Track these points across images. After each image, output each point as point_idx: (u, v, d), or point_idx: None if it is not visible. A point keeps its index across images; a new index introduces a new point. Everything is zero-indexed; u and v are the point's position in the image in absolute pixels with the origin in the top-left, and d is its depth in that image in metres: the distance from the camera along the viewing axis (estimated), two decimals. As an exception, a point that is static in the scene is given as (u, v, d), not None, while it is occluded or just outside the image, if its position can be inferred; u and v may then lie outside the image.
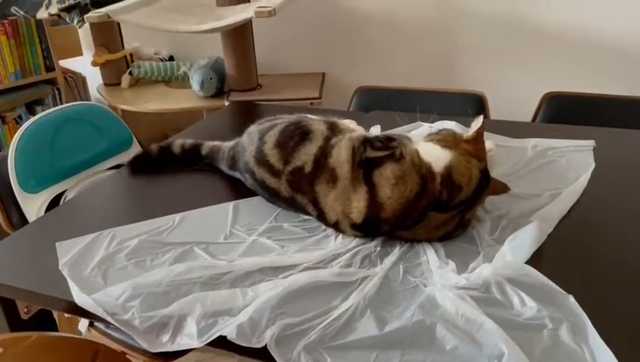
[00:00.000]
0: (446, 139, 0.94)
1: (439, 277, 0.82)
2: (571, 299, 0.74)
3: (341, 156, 0.94)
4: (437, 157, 0.90)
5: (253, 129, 1.08)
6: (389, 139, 0.96)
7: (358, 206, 0.90)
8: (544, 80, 2.07)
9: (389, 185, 0.88)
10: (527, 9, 2.18)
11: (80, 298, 0.81)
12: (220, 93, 2.29)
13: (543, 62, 2.23)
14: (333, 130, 1.01)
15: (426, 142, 0.94)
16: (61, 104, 2.55)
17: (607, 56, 2.14)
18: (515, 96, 2.02)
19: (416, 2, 2.31)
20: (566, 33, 2.16)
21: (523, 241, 0.85)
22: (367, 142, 0.96)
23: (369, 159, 0.92)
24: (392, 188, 0.88)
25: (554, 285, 0.76)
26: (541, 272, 0.79)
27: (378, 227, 0.91)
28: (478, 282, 0.79)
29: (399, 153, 0.91)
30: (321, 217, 0.95)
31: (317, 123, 1.03)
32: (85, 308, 0.80)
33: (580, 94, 1.56)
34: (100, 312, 0.78)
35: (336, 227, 0.94)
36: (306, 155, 0.96)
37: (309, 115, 1.10)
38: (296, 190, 0.97)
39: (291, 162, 0.97)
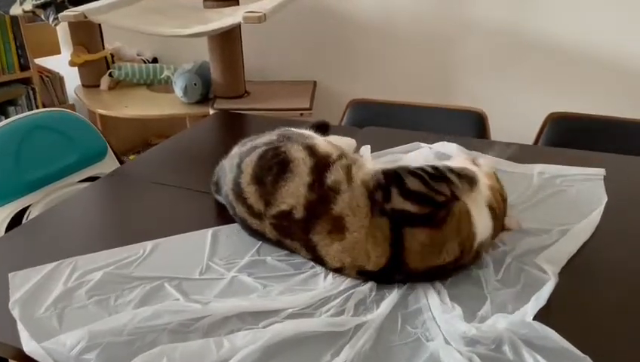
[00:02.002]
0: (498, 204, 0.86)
1: (444, 323, 0.73)
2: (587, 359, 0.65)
3: (354, 205, 0.80)
4: (485, 227, 0.83)
5: (235, 151, 0.96)
6: (435, 177, 0.80)
7: (377, 261, 0.79)
8: (548, 99, 2.00)
9: (421, 250, 0.78)
10: (533, 23, 2.10)
11: (29, 345, 0.70)
12: (204, 99, 2.18)
13: (548, 80, 2.14)
14: (315, 157, 0.86)
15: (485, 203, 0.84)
16: (36, 105, 2.43)
17: (618, 76, 2.05)
18: (518, 115, 1.94)
19: (417, 11, 2.22)
20: (574, 50, 2.08)
21: (543, 298, 0.75)
22: (393, 180, 0.80)
23: (398, 211, 0.78)
24: (423, 253, 0.78)
25: (575, 350, 0.67)
26: (548, 324, 0.70)
27: (391, 277, 0.81)
28: (490, 336, 0.69)
29: (443, 216, 0.78)
30: (319, 261, 0.84)
31: (295, 148, 0.88)
32: (34, 357, 0.70)
33: (587, 116, 1.48)
34: (50, 365, 0.68)
35: (339, 272, 0.82)
36: (292, 197, 0.83)
37: (293, 130, 0.97)
38: (285, 235, 0.86)
39: (273, 204, 0.85)
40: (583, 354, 0.66)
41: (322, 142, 0.92)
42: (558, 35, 2.08)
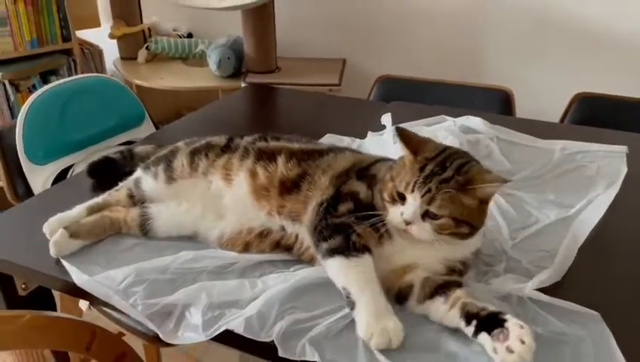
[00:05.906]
0: None
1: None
2: (598, 317, 0.70)
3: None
4: None
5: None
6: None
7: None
8: (576, 79, 1.99)
9: None
10: (562, 1, 2.09)
11: (80, 279, 0.77)
12: (237, 73, 2.23)
13: (576, 60, 2.13)
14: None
15: None
16: (76, 75, 2.51)
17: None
18: (544, 94, 1.94)
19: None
20: (602, 30, 2.06)
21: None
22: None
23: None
24: None
25: (579, 307, 0.71)
26: (565, 291, 0.75)
27: None
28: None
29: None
30: None
31: None
32: (86, 289, 0.77)
33: (613, 96, 1.48)
34: (101, 294, 0.75)
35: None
36: None
37: None
38: None
39: None
40: (588, 309, 0.70)
41: None
42: (586, 15, 2.06)
